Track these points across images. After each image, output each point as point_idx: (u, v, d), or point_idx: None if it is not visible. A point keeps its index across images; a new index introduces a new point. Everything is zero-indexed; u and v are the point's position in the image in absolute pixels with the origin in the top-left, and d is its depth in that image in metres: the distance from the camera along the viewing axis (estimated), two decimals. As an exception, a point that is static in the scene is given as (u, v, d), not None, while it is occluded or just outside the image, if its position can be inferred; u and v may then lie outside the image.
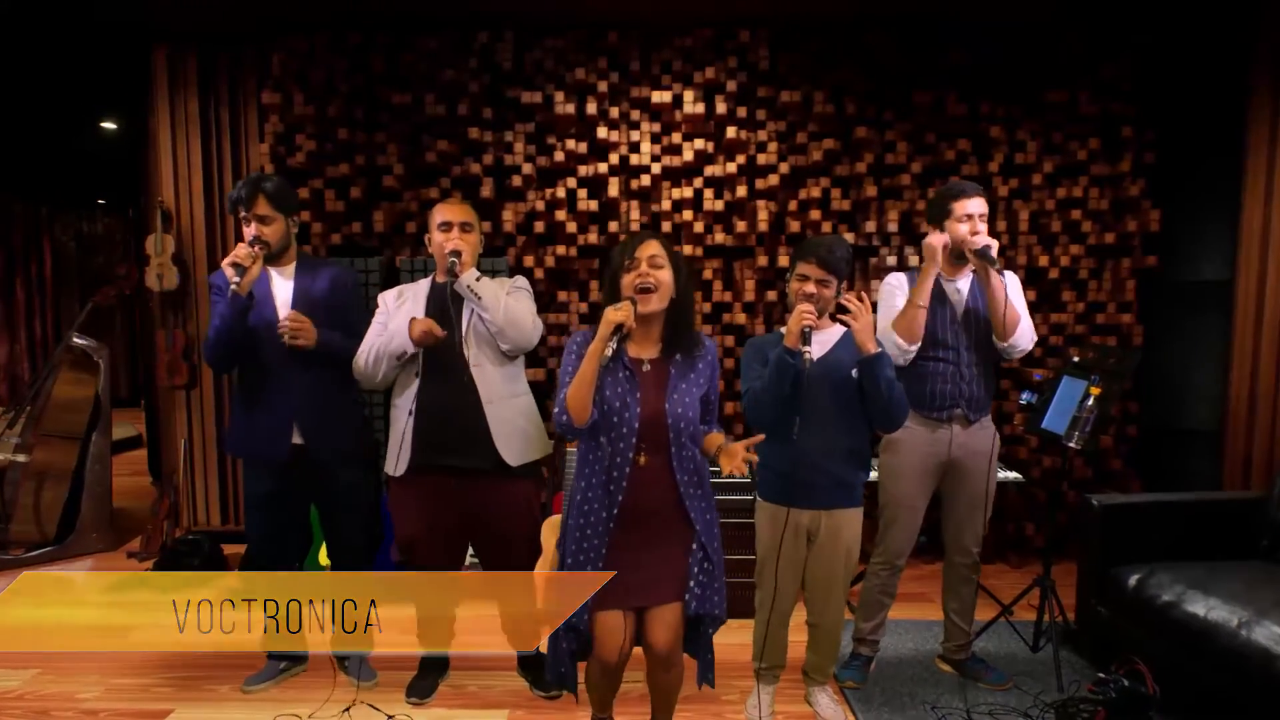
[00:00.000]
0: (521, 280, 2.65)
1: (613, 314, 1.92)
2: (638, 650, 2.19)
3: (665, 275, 2.02)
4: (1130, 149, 4.04)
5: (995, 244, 2.53)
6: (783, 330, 2.43)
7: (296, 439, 2.58)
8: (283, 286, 2.61)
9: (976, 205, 2.56)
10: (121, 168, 5.66)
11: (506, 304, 2.44)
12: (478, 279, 2.43)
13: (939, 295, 2.62)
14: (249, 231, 2.52)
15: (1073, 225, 4.07)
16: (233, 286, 2.39)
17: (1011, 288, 2.60)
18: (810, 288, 2.26)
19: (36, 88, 5.02)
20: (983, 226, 2.55)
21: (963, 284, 2.66)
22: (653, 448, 2.00)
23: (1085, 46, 4.00)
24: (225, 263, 2.43)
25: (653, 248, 2.02)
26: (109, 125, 5.90)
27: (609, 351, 1.90)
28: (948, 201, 2.59)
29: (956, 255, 2.60)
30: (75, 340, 4.34)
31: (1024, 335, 2.55)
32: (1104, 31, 3.97)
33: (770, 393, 2.23)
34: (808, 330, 2.15)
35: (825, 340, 2.38)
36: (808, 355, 2.10)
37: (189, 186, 4.34)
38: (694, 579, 2.05)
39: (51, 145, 6.51)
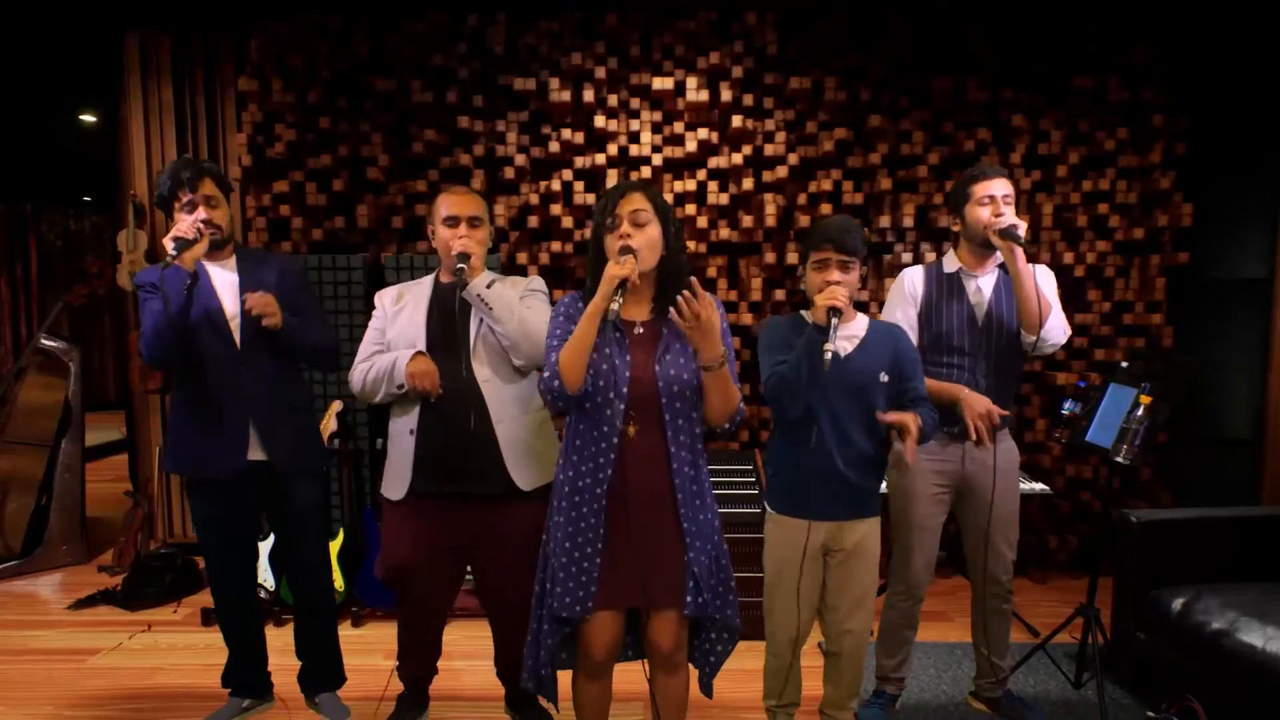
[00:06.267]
0: (538, 282, 2.37)
1: (615, 269, 1.75)
2: (635, 677, 2.04)
3: (651, 232, 1.83)
4: (1161, 139, 3.83)
5: (1023, 225, 2.29)
6: (803, 314, 2.21)
7: (256, 453, 2.32)
8: (225, 279, 2.35)
9: (999, 186, 2.34)
10: (106, 163, 5.46)
11: (520, 314, 2.18)
12: (489, 285, 2.18)
13: (958, 293, 2.39)
14: (192, 215, 2.23)
15: (1099, 220, 3.86)
16: (169, 257, 2.10)
17: (1042, 279, 2.36)
18: (834, 274, 2.03)
19: (7, 79, 4.81)
20: (1007, 209, 2.32)
21: (986, 281, 2.41)
22: (644, 418, 1.84)
23: (1114, 28, 3.77)
24: (167, 237, 2.14)
25: (635, 201, 1.83)
26: (92, 119, 5.69)
27: (615, 306, 1.72)
28: (967, 185, 2.38)
29: (980, 243, 2.37)
30: (44, 342, 4.14)
31: (1056, 328, 2.32)
32: (1134, 12, 3.75)
33: (801, 375, 1.98)
34: (834, 317, 1.93)
35: (851, 334, 2.15)
36: (828, 351, 1.87)
37: (163, 179, 4.12)
38: (691, 577, 1.88)
39: (33, 141, 6.32)
